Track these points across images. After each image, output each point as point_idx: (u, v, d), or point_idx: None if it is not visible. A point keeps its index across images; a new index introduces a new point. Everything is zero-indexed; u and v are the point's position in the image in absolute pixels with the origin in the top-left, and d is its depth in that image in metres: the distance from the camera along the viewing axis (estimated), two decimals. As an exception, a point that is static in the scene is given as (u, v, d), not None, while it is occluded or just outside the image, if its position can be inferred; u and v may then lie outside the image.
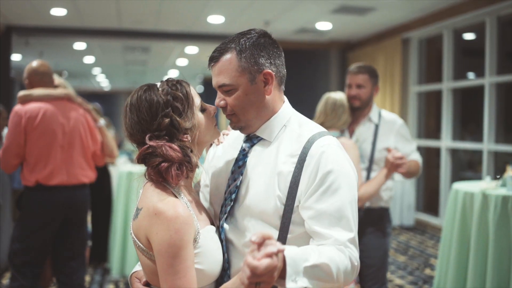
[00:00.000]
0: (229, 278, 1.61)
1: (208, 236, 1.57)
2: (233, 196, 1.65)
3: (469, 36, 7.81)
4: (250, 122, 1.67)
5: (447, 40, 7.44)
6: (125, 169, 5.42)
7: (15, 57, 11.61)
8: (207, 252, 1.54)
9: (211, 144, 1.89)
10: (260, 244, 1.24)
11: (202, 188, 1.84)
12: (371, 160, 3.34)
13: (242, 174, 1.66)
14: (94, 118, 3.73)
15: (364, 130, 3.41)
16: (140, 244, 1.55)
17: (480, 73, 6.96)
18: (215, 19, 7.98)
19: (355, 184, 1.59)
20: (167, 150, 1.52)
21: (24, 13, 7.71)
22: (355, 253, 1.50)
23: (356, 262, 1.49)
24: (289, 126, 1.68)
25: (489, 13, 6.53)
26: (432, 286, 4.61)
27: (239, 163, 1.69)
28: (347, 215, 1.52)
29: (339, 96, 3.31)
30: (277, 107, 1.69)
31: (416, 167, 3.39)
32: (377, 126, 3.40)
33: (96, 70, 15.94)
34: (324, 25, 8.35)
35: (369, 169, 3.33)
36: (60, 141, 3.46)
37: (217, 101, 1.67)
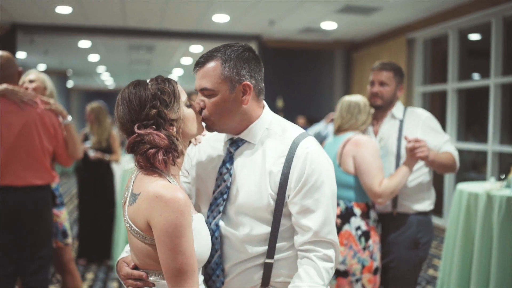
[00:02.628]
0: (222, 272, 1.80)
1: (199, 222, 1.70)
2: (225, 196, 1.81)
3: (474, 36, 7.79)
4: (224, 126, 1.82)
5: (452, 40, 7.42)
6: (129, 167, 5.42)
7: (20, 55, 11.65)
8: (198, 236, 1.65)
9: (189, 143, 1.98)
10: None
11: (183, 182, 1.94)
12: (398, 157, 3.11)
13: (231, 175, 1.82)
14: (62, 115, 3.45)
15: (387, 127, 3.22)
16: (136, 229, 1.63)
17: (485, 74, 6.94)
18: (220, 18, 7.98)
19: (333, 178, 1.82)
20: (154, 137, 1.63)
21: (29, 11, 7.73)
22: (334, 242, 1.77)
23: (331, 252, 1.76)
24: (271, 129, 1.84)
25: (495, 14, 6.51)
26: (435, 286, 4.60)
27: (227, 165, 1.84)
28: (328, 209, 1.75)
29: (354, 98, 3.20)
30: (256, 114, 1.84)
31: (449, 158, 3.05)
32: (401, 122, 3.19)
33: (101, 69, 15.97)
34: (328, 25, 8.34)
35: (397, 167, 3.09)
36: (4, 141, 3.25)
37: (197, 100, 1.81)
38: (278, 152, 1.78)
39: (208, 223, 1.82)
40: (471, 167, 8.04)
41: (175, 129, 1.68)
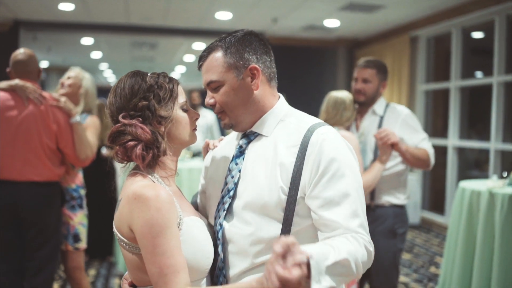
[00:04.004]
0: (224, 278, 1.60)
1: (193, 225, 1.55)
2: (232, 193, 1.64)
3: (477, 34, 7.77)
4: (240, 118, 1.67)
5: (456, 38, 7.41)
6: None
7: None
8: (191, 241, 1.51)
9: (207, 151, 1.90)
10: (285, 252, 1.19)
11: (199, 195, 1.86)
12: (376, 152, 3.22)
13: (240, 171, 1.65)
14: (69, 114, 3.41)
15: (368, 123, 3.34)
16: (122, 237, 1.53)
17: (488, 72, 6.93)
18: (223, 16, 7.98)
19: (358, 170, 1.59)
20: (137, 129, 1.54)
21: (32, 8, 7.74)
22: (367, 237, 1.50)
23: (371, 247, 1.49)
24: (286, 120, 1.67)
25: (498, 12, 6.49)
26: (437, 284, 4.60)
27: (236, 160, 1.68)
28: (355, 201, 1.51)
29: (341, 94, 3.31)
30: (270, 102, 1.69)
31: (423, 153, 3.17)
32: (381, 118, 3.31)
33: (103, 66, 15.97)
34: (332, 23, 8.33)
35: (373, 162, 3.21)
36: (4, 135, 3.27)
37: (206, 99, 1.69)
38: (291, 141, 1.59)
39: (214, 224, 1.66)
40: (474, 165, 8.03)
41: (163, 128, 1.57)
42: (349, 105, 3.27)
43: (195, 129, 1.68)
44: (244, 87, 1.64)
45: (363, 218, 1.51)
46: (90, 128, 3.68)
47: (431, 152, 3.22)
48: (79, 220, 3.70)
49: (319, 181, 1.51)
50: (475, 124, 7.76)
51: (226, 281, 1.60)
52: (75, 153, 3.43)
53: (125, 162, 1.59)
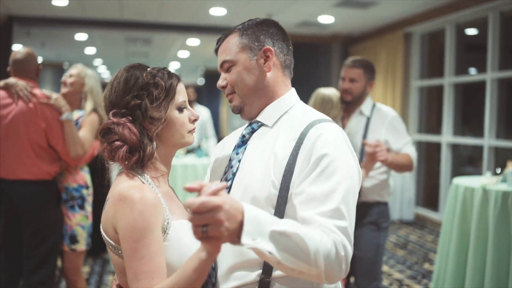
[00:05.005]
0: (211, 277, 1.53)
1: (181, 229, 1.49)
2: (229, 183, 1.58)
3: (471, 31, 7.79)
4: (248, 100, 1.63)
5: (449, 35, 7.42)
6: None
7: (16, 47, 11.58)
8: (178, 246, 1.46)
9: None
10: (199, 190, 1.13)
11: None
12: (362, 153, 3.27)
13: (240, 161, 1.61)
14: (59, 111, 3.37)
15: (355, 123, 3.39)
16: (108, 239, 1.49)
17: (482, 69, 6.95)
18: (217, 11, 7.96)
19: (355, 172, 1.47)
20: (124, 129, 1.49)
21: (26, 3, 7.69)
22: (343, 241, 1.32)
23: (343, 251, 1.31)
24: (291, 112, 1.62)
25: (492, 8, 6.51)
26: (431, 280, 4.62)
27: (238, 150, 1.64)
28: (340, 201, 1.36)
29: (328, 91, 3.36)
30: (280, 91, 1.65)
31: (406, 159, 3.27)
32: (368, 119, 3.36)
33: (98, 61, 15.92)
34: (326, 19, 8.33)
35: (360, 162, 3.23)
36: None
37: (218, 82, 1.66)
38: (291, 135, 1.52)
39: None
40: (467, 161, 8.06)
41: (154, 129, 1.52)
42: (336, 104, 3.33)
43: (192, 131, 1.62)
44: (256, 68, 1.61)
45: (346, 221, 1.36)
46: (86, 125, 3.61)
47: (414, 156, 3.32)
48: (77, 221, 3.63)
49: (307, 176, 1.42)
50: (469, 121, 7.78)
51: (215, 275, 1.54)
52: (66, 150, 3.41)
53: (111, 161, 1.55)
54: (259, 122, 1.65)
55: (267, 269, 1.45)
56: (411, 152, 3.32)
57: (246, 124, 1.71)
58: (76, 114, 3.66)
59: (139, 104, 1.51)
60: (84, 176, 3.71)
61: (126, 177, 1.51)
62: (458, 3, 6.92)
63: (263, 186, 1.48)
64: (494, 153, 6.64)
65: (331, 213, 1.35)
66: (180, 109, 1.58)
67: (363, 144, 3.24)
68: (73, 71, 3.73)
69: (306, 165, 1.44)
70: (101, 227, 1.53)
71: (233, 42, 1.63)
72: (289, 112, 1.62)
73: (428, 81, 8.17)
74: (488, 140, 6.62)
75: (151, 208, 1.40)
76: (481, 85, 6.84)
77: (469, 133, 7.59)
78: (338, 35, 9.76)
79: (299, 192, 1.42)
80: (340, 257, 1.31)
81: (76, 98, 3.67)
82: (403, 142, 3.32)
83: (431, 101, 8.40)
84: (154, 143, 1.54)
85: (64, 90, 3.66)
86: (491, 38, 6.57)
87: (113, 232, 1.46)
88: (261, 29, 1.63)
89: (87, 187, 3.70)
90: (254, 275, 1.47)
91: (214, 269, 1.55)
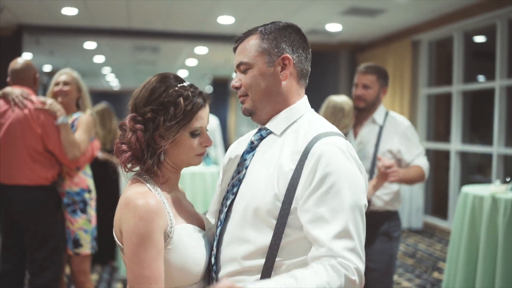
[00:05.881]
0: (213, 280, 1.56)
1: (185, 233, 1.54)
2: (235, 189, 1.61)
3: (479, 38, 7.77)
4: (260, 105, 1.63)
5: (458, 42, 7.40)
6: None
7: (26, 55, 11.67)
8: (181, 249, 1.51)
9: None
10: None
11: (216, 189, 1.84)
12: (373, 163, 3.22)
13: (247, 168, 1.62)
14: (54, 116, 3.41)
15: (367, 131, 3.32)
16: (118, 241, 1.56)
17: (490, 76, 6.92)
18: (225, 20, 7.98)
19: (360, 187, 1.48)
20: (132, 136, 1.55)
21: (35, 12, 7.75)
22: (354, 264, 1.36)
23: (355, 274, 1.35)
24: (299, 122, 1.62)
25: (500, 16, 6.49)
26: (440, 289, 4.58)
27: (246, 156, 1.65)
28: (347, 220, 1.40)
29: (340, 99, 3.29)
30: (292, 99, 1.64)
31: (418, 173, 3.20)
32: (381, 128, 3.29)
33: (106, 70, 16.00)
34: (334, 27, 8.34)
35: (371, 172, 3.22)
36: None
37: (232, 82, 1.66)
38: (296, 147, 1.52)
39: (218, 218, 1.64)
40: (476, 169, 8.02)
41: (162, 144, 1.55)
42: (348, 112, 3.25)
43: (200, 154, 1.63)
44: (272, 75, 1.61)
45: (355, 240, 1.39)
46: (81, 126, 3.64)
47: (425, 168, 3.25)
48: (79, 225, 3.66)
49: (312, 194, 1.43)
50: (478, 129, 7.75)
51: (217, 279, 1.57)
52: (63, 154, 3.46)
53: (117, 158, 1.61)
54: (268, 129, 1.65)
55: (266, 274, 1.47)
56: (423, 164, 3.24)
57: (256, 130, 1.71)
58: (71, 117, 3.70)
59: (154, 118, 1.54)
60: (86, 180, 3.75)
61: (135, 183, 1.57)
62: (466, 10, 6.91)
63: (266, 198, 1.50)
64: (503, 161, 6.61)
65: (339, 234, 1.38)
66: (193, 134, 1.59)
67: (375, 154, 3.20)
68: (66, 79, 3.71)
69: (310, 181, 1.45)
70: (113, 229, 1.58)
71: (253, 44, 1.62)
72: (298, 122, 1.62)
73: (436, 88, 8.15)
74: (497, 148, 6.59)
75: (153, 214, 1.45)
76: (489, 93, 6.82)
77: (478, 141, 7.55)
78: (346, 43, 9.76)
79: (306, 210, 1.44)
80: (352, 281, 1.35)
81: (72, 103, 3.72)
82: (415, 153, 3.25)
83: (440, 109, 8.38)
84: (162, 156, 1.58)
85: (62, 99, 3.66)
86: (499, 46, 6.54)
87: (120, 235, 1.52)
88: (283, 35, 1.62)
89: (89, 191, 3.75)
90: (252, 279, 1.50)
91: (216, 272, 1.57)
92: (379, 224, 3.26)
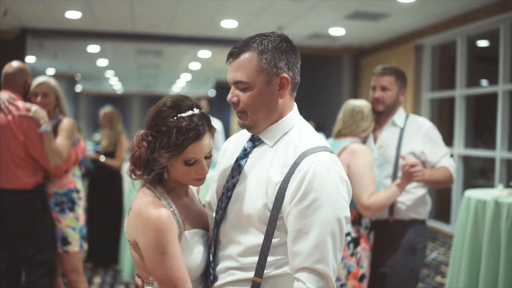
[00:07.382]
0: (211, 275, 1.69)
1: (192, 239, 1.68)
2: (229, 193, 1.71)
3: (482, 43, 7.77)
4: (259, 122, 1.70)
5: (461, 46, 7.41)
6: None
7: (29, 59, 11.71)
8: (187, 253, 1.65)
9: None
10: None
11: (213, 183, 1.92)
12: (396, 166, 3.08)
13: (240, 173, 1.71)
14: (37, 124, 3.43)
15: (387, 134, 3.19)
16: (129, 240, 1.67)
17: (493, 80, 6.92)
18: (228, 24, 8.00)
19: (341, 202, 1.57)
20: (135, 152, 1.66)
21: (39, 15, 7.78)
22: (324, 277, 1.53)
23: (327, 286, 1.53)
24: (290, 134, 1.69)
25: (503, 20, 6.49)
26: (442, 293, 4.57)
27: (239, 162, 1.74)
28: (323, 235, 1.52)
29: (359, 103, 3.18)
30: (285, 112, 1.71)
31: (445, 175, 3.05)
32: (402, 130, 3.16)
33: (109, 73, 16.03)
34: (337, 31, 8.35)
35: (394, 176, 3.09)
36: None
37: (229, 96, 1.70)
38: (285, 160, 1.61)
39: (214, 219, 1.76)
40: (479, 173, 8.01)
41: (161, 163, 1.65)
42: (367, 115, 3.13)
43: (199, 179, 1.70)
44: (270, 94, 1.66)
45: (327, 254, 1.53)
46: (62, 131, 3.64)
47: (452, 169, 3.10)
48: (67, 223, 3.70)
49: (295, 207, 1.55)
50: (481, 133, 7.74)
51: (214, 275, 1.69)
52: (46, 160, 3.48)
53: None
54: (261, 139, 1.73)
55: (259, 272, 1.60)
56: (450, 165, 3.09)
57: (249, 136, 1.79)
58: (52, 123, 3.67)
59: (153, 141, 1.63)
60: (74, 181, 3.80)
61: (145, 191, 1.68)
62: (469, 15, 6.91)
63: (256, 207, 1.61)
64: (506, 165, 6.60)
65: (313, 249, 1.52)
66: (187, 164, 1.65)
67: (397, 157, 3.08)
68: (45, 90, 3.67)
69: (295, 194, 1.55)
70: (124, 226, 1.71)
71: (252, 63, 1.63)
72: (288, 134, 1.69)
73: (439, 93, 8.15)
74: (500, 152, 6.58)
75: (168, 225, 1.57)
76: (492, 97, 6.82)
77: (481, 145, 7.54)
78: (349, 47, 9.77)
79: (290, 220, 1.56)
80: None
81: (51, 110, 3.72)
82: (441, 154, 3.11)
83: (443, 113, 8.37)
84: (166, 174, 1.68)
85: (46, 109, 3.62)
86: (502, 50, 6.54)
87: (133, 239, 1.64)
88: (280, 53, 1.65)
89: (77, 191, 3.80)
90: (247, 276, 1.63)
91: (214, 268, 1.70)
92: (403, 234, 3.09)
